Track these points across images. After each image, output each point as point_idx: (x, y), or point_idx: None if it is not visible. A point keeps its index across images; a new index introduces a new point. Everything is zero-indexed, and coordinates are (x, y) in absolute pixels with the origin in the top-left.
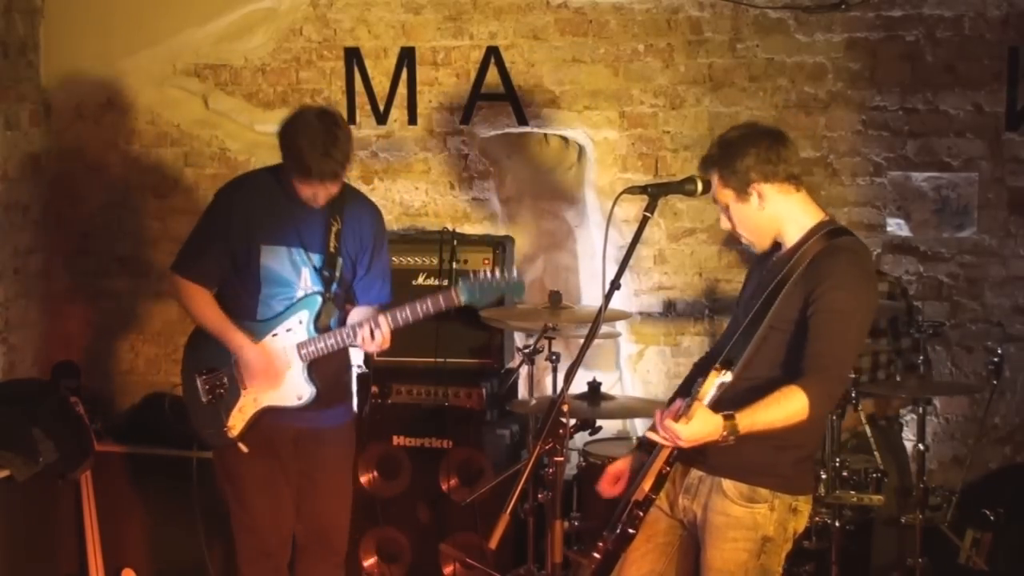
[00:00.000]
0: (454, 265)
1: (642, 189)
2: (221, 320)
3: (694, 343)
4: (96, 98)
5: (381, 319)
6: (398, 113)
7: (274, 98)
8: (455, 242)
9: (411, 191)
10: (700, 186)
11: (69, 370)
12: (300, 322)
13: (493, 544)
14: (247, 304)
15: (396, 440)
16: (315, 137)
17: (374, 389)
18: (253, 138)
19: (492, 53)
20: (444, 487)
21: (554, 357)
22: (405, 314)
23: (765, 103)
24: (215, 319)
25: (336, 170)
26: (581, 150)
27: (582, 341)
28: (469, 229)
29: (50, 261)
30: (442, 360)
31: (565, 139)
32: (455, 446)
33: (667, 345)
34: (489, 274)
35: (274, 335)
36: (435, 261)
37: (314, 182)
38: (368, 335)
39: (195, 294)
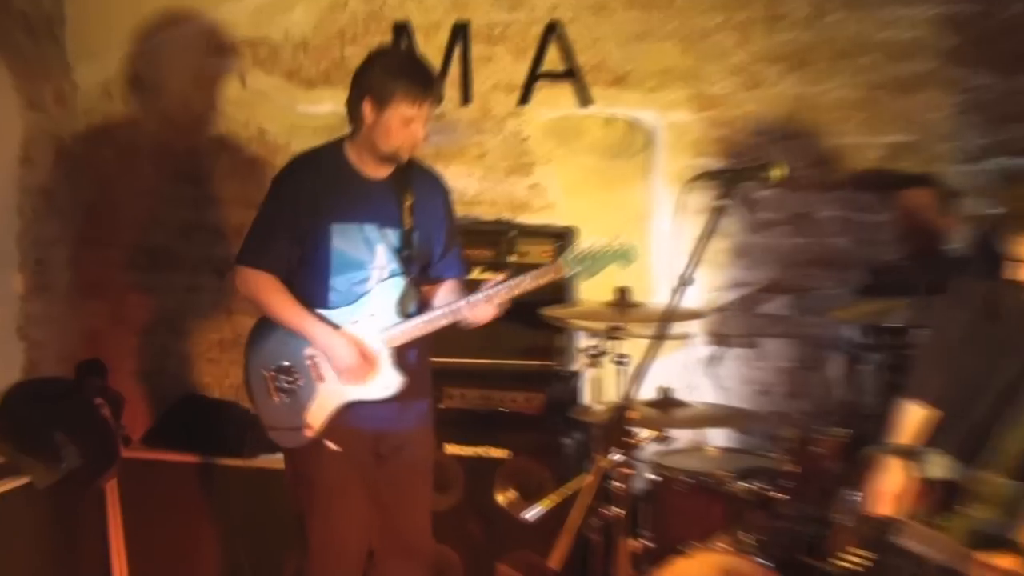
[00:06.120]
0: (512, 258)
1: (716, 176)
2: (298, 310)
3: (775, 345)
4: (125, 76)
5: (480, 293)
6: (451, 93)
7: (316, 76)
8: (513, 233)
9: (464, 178)
10: (780, 172)
11: (95, 369)
12: (383, 306)
13: (555, 564)
14: (317, 293)
15: (448, 449)
16: (405, 56)
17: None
18: (294, 120)
19: (553, 28)
20: (501, 501)
21: (621, 360)
22: (508, 286)
23: (852, 83)
24: (292, 310)
25: (438, 83)
26: (650, 134)
27: (651, 342)
28: (528, 219)
29: (75, 252)
30: (499, 361)
31: (632, 122)
32: (513, 456)
33: (746, 347)
34: (594, 243)
35: (355, 322)
36: (491, 254)
37: (422, 101)
38: (467, 308)
39: (267, 285)
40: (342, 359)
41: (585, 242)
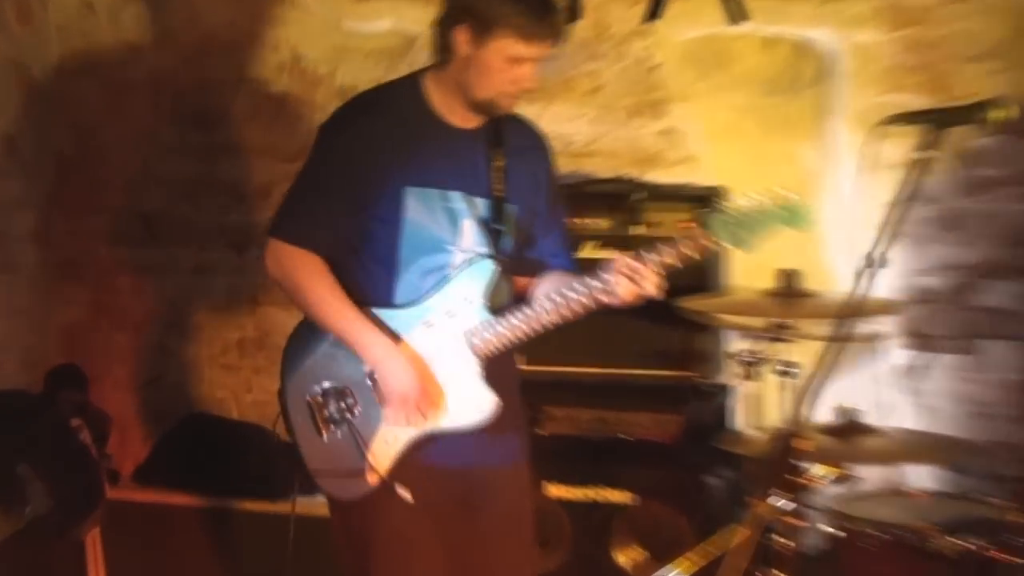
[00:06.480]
0: (638, 230)
1: (917, 118)
2: (343, 307)
3: (999, 350)
4: None
5: (619, 263)
6: None
7: None
8: (639, 196)
9: (573, 120)
10: (1004, 112)
11: (71, 379)
12: (467, 300)
13: None
14: (380, 282)
15: (550, 490)
16: None
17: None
18: (340, 41)
19: None
20: (622, 561)
21: (787, 369)
22: (627, 267)
23: None
24: (335, 305)
25: (561, 13)
26: (825, 61)
27: (828, 345)
28: (660, 177)
29: (46, 220)
30: (620, 371)
31: (802, 44)
32: (639, 500)
33: (958, 353)
34: (750, 200)
35: (428, 324)
36: (609, 224)
37: (539, 38)
38: (578, 300)
39: (308, 268)
40: (393, 379)
41: (737, 200)
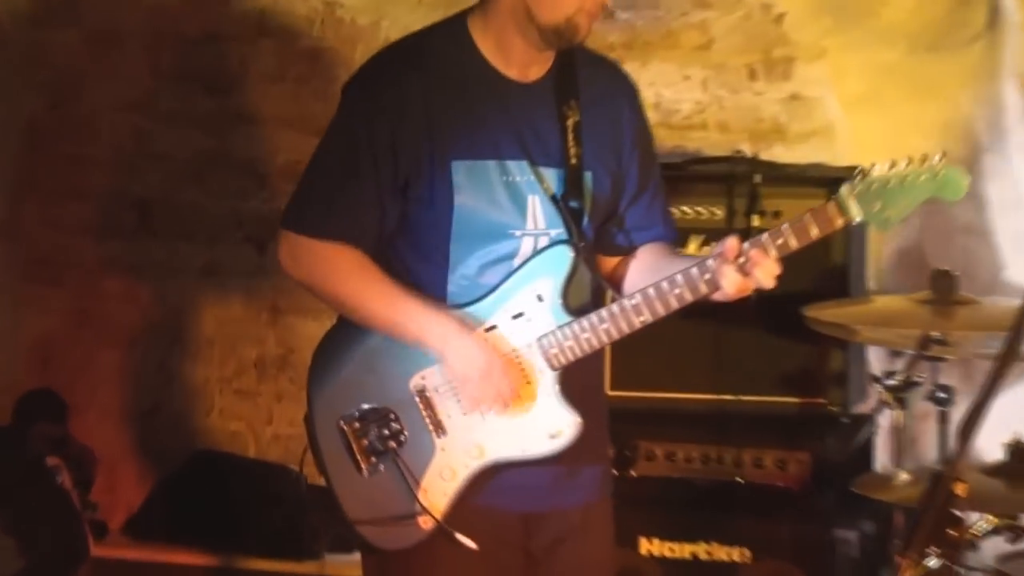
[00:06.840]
0: (755, 221)
1: None
2: (392, 293)
3: None
4: None
5: (727, 244)
6: None
7: None
8: (758, 179)
9: (675, 84)
10: None
11: (47, 407)
12: (539, 298)
13: None
14: (427, 281)
15: (645, 545)
16: None
17: (609, 450)
18: None
19: None
20: None
21: (943, 395)
22: (764, 243)
23: None
24: (381, 293)
25: None
26: (994, 8)
27: (996, 365)
28: (784, 154)
29: (16, 208)
30: (731, 397)
31: None
32: (756, 558)
33: None
34: (892, 167)
35: (490, 328)
36: (720, 212)
37: None
38: (717, 276)
39: (339, 260)
40: (467, 363)
41: (874, 168)
